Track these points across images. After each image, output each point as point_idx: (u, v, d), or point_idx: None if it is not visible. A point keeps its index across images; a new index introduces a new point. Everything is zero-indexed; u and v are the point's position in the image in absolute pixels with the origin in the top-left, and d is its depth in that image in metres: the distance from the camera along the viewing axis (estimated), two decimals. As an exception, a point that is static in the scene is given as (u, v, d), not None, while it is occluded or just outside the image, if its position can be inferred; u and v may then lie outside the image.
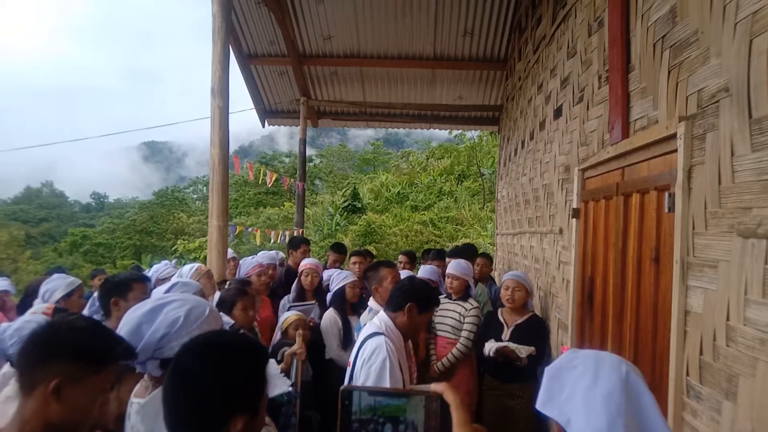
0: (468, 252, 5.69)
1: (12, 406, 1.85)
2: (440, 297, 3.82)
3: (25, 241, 37.09)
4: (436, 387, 1.26)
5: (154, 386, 1.55)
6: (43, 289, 3.09)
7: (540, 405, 1.16)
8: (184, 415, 1.13)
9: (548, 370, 1.20)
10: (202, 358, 1.16)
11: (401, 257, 5.82)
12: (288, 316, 3.69)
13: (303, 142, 8.84)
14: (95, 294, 2.77)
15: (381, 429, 1.19)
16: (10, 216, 55.18)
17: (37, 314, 2.38)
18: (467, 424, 1.18)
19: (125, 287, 2.55)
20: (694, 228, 1.87)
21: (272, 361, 2.42)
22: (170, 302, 1.59)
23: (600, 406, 1.04)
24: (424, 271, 4.60)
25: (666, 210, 2.08)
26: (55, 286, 3.07)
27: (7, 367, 2.07)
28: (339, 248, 5.59)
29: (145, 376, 1.63)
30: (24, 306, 3.79)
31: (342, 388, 1.23)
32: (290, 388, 2.36)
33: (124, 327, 1.55)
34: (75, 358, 1.25)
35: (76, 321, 1.36)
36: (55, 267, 6.50)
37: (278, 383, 2.28)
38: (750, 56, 1.56)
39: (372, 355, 2.21)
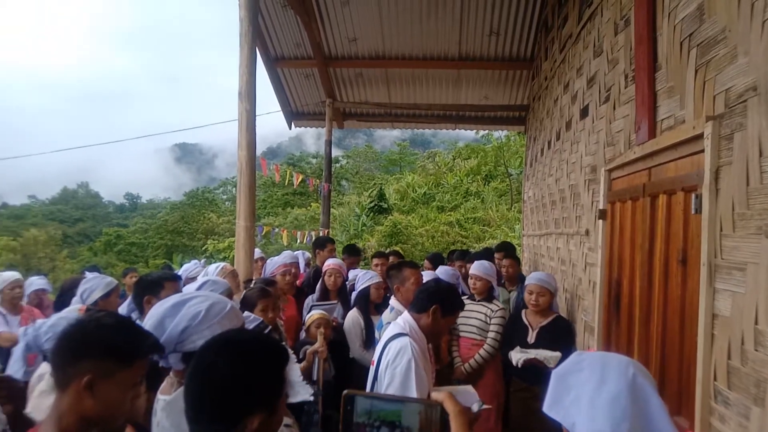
0: (506, 248, 5.64)
1: (46, 399, 1.94)
2: (463, 298, 3.80)
3: (62, 241, 38.45)
4: (436, 396, 1.27)
5: (179, 383, 1.60)
6: (81, 288, 3.16)
7: (546, 408, 1.16)
8: (202, 409, 1.16)
9: (555, 373, 1.19)
10: (222, 354, 1.19)
11: (426, 262, 5.74)
12: (311, 314, 3.73)
13: (328, 144, 8.92)
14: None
15: None
16: (48, 216, 57.23)
17: (72, 311, 2.46)
18: None
19: (158, 286, 2.64)
20: (721, 230, 1.83)
21: (296, 366, 2.44)
22: (192, 298, 1.66)
23: (605, 410, 1.04)
24: (441, 273, 4.55)
25: (693, 211, 2.04)
26: (94, 286, 3.14)
27: (44, 367, 2.16)
28: (352, 250, 5.56)
29: (171, 373, 1.69)
30: (61, 304, 3.92)
31: (345, 393, 1.25)
32: (311, 398, 2.38)
33: (148, 321, 1.61)
34: (105, 354, 1.29)
35: (104, 318, 1.38)
36: (90, 266, 6.72)
37: (300, 390, 2.30)
38: (779, 54, 1.53)
39: (397, 356, 2.21)
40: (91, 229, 55.36)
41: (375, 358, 2.39)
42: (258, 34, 5.78)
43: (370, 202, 24.44)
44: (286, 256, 4.45)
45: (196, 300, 1.64)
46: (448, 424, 1.21)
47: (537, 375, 3.54)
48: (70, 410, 1.26)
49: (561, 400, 1.14)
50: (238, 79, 4.47)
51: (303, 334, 3.87)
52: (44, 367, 2.15)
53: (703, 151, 1.96)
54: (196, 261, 5.60)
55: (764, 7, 1.60)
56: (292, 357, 2.11)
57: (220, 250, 23.48)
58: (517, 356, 3.53)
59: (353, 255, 5.48)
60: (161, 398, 1.62)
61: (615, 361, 1.13)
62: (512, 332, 3.81)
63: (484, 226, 20.11)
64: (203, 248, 25.73)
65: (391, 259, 5.46)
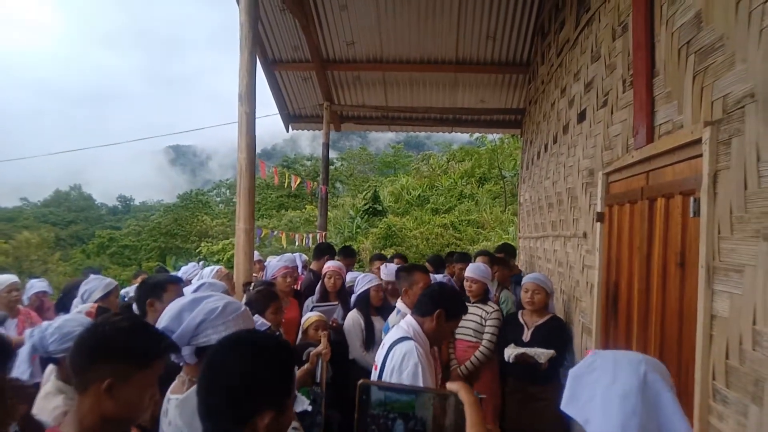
0: (507, 250, 5.66)
1: (51, 401, 1.95)
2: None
3: (54, 243, 38.09)
4: (451, 386, 1.30)
5: (191, 382, 1.63)
6: (82, 289, 3.21)
7: (563, 405, 1.20)
8: (214, 406, 1.19)
9: (571, 373, 1.24)
10: (234, 353, 1.23)
11: (428, 265, 5.69)
12: (309, 316, 3.74)
13: (326, 147, 8.93)
14: None
15: (392, 425, 1.24)
16: (40, 218, 56.72)
17: (79, 312, 2.48)
18: (480, 423, 1.22)
19: (160, 289, 2.65)
20: (719, 232, 1.87)
21: None
22: (210, 296, 1.75)
23: (616, 407, 1.08)
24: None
25: (691, 214, 2.08)
26: (94, 287, 3.19)
27: (49, 368, 2.17)
28: (347, 252, 5.52)
29: (182, 372, 1.71)
30: (62, 306, 3.93)
31: (360, 382, 1.28)
32: (308, 408, 2.41)
33: (166, 314, 1.68)
34: (123, 357, 1.32)
35: (120, 321, 1.41)
36: (88, 268, 6.73)
37: (297, 401, 2.33)
38: (776, 62, 1.57)
39: (403, 361, 2.21)
40: (84, 232, 54.88)
41: (378, 361, 2.39)
42: (256, 38, 5.80)
43: (365, 205, 24.43)
44: (286, 259, 4.46)
45: (214, 298, 1.73)
46: (464, 414, 1.25)
47: (532, 375, 3.59)
48: (91, 412, 1.29)
49: (577, 399, 1.18)
50: (238, 82, 4.49)
51: (300, 337, 3.88)
52: (51, 368, 2.16)
53: (701, 155, 2.01)
54: (194, 264, 5.60)
55: (762, 15, 1.65)
56: None
57: (213, 253, 23.43)
58: (508, 351, 3.61)
59: (349, 257, 5.48)
60: (172, 398, 1.64)
61: (626, 360, 1.17)
62: (508, 331, 3.86)
63: (478, 228, 20.17)
64: (197, 251, 25.64)
65: (395, 261, 5.47)
